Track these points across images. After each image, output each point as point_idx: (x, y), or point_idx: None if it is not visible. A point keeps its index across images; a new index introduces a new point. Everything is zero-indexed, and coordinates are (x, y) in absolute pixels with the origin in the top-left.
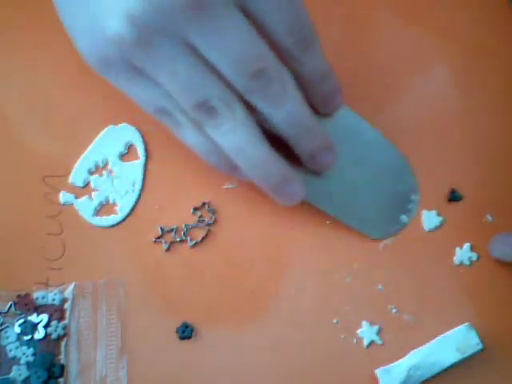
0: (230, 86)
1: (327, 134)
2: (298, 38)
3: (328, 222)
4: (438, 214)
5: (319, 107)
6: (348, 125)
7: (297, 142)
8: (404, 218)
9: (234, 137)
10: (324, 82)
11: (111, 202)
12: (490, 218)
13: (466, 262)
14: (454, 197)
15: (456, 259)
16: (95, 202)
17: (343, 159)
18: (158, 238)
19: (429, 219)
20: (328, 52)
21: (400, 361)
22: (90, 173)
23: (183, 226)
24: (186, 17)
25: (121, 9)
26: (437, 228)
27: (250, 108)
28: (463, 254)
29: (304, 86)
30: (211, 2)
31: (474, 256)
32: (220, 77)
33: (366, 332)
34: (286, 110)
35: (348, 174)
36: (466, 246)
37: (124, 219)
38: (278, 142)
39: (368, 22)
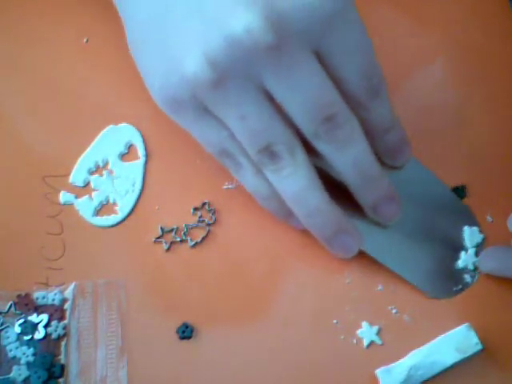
0: (294, 130)
1: (392, 184)
2: (369, 86)
3: None
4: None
5: (386, 159)
6: (414, 177)
7: (360, 190)
8: (467, 277)
9: (294, 181)
10: (391, 132)
11: (111, 201)
12: (489, 218)
13: (470, 267)
14: (459, 190)
15: (460, 263)
16: (95, 202)
17: (406, 211)
18: (158, 238)
19: None
20: None
21: (400, 361)
22: (90, 172)
23: (183, 225)
24: (264, 60)
25: (201, 49)
26: None
27: (310, 154)
28: (467, 258)
29: (371, 136)
30: (289, 46)
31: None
32: (287, 122)
33: (366, 332)
34: (352, 155)
35: (408, 227)
36: (471, 251)
37: (124, 219)
38: (337, 191)
39: (367, 20)
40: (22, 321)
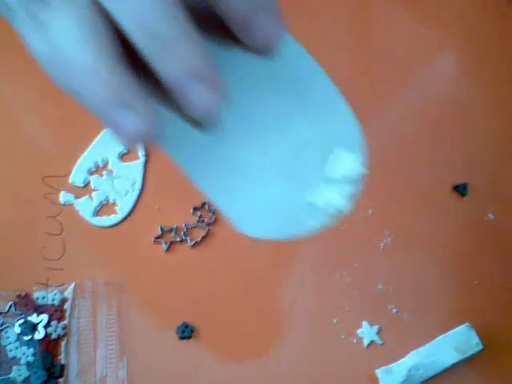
0: None
1: (209, 59)
2: None
3: None
4: None
5: (239, 34)
6: (285, 66)
7: (153, 57)
8: (312, 223)
9: (63, 33)
10: None
11: (111, 201)
12: (491, 216)
13: (325, 205)
14: (460, 188)
15: (310, 197)
16: (95, 202)
17: (256, 116)
18: (158, 237)
19: None
20: (330, 46)
21: (400, 361)
22: (90, 173)
23: (183, 225)
24: None
25: None
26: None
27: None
28: (324, 193)
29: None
30: None
31: None
32: None
33: (366, 332)
34: (131, 4)
35: (256, 143)
36: (336, 186)
37: (124, 219)
38: None
39: (371, 16)
40: (22, 321)
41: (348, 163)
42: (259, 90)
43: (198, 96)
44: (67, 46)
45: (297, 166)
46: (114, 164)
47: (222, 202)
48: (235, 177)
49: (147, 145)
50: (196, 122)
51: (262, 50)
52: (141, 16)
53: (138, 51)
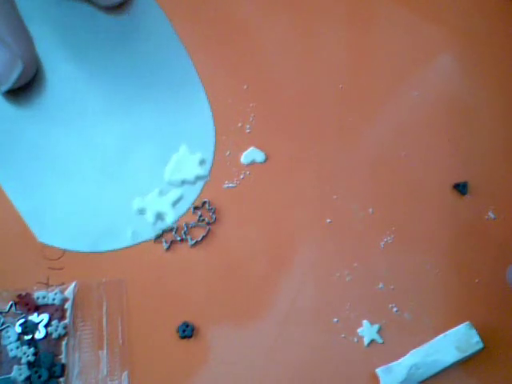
0: None
1: (9, 15)
2: None
3: (328, 221)
4: None
5: None
6: (138, 29)
7: None
8: (129, 234)
9: None
10: None
11: None
12: (492, 214)
13: (150, 217)
14: (461, 187)
15: (136, 203)
16: None
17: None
18: (159, 236)
19: None
20: (331, 45)
21: (400, 360)
22: None
23: (184, 225)
24: None
25: None
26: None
27: None
28: (153, 201)
29: None
30: None
31: None
32: None
33: (367, 331)
34: None
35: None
36: (172, 193)
37: None
38: None
39: (371, 15)
40: (22, 320)
41: (190, 166)
42: (95, 56)
43: None
44: None
45: (126, 164)
46: None
47: (15, 195)
48: (38, 167)
49: None
50: None
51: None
52: None
53: None
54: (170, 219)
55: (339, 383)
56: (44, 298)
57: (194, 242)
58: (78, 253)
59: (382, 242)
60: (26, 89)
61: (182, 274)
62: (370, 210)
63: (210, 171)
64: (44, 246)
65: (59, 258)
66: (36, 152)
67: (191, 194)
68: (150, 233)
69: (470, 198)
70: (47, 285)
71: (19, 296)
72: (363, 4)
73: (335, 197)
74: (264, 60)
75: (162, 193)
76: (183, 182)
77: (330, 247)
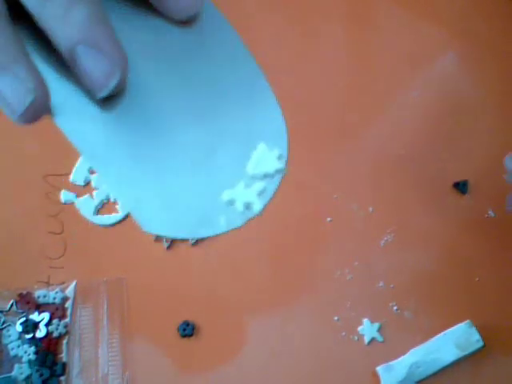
0: None
1: (104, 20)
2: None
3: (328, 220)
4: None
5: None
6: (207, 41)
7: (42, 24)
8: (221, 220)
9: None
10: None
11: (112, 200)
12: (491, 213)
13: (239, 206)
14: (460, 186)
15: (226, 195)
16: (96, 201)
17: (163, 87)
18: (159, 236)
19: None
20: (331, 44)
21: (401, 358)
22: (91, 172)
23: None
24: None
25: None
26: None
27: None
28: (242, 192)
29: None
30: None
31: None
32: None
33: (367, 329)
34: None
35: (159, 121)
36: (257, 185)
37: (125, 218)
38: None
39: (372, 15)
40: (23, 319)
41: (269, 161)
42: (174, 66)
43: (90, 64)
44: None
45: (213, 160)
46: None
47: (121, 193)
48: (140, 167)
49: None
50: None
51: (176, 15)
52: None
53: (29, 13)
54: (257, 208)
55: (340, 381)
56: (45, 296)
57: (194, 240)
58: (79, 252)
59: (382, 241)
60: (117, 94)
61: (182, 273)
62: (370, 208)
63: (287, 165)
64: (44, 246)
65: (60, 258)
66: (134, 152)
67: (272, 186)
68: (240, 220)
69: (470, 197)
70: (48, 284)
71: (20, 295)
72: (363, 4)
73: (335, 196)
74: (264, 59)
75: (247, 185)
76: (265, 176)
77: (330, 246)
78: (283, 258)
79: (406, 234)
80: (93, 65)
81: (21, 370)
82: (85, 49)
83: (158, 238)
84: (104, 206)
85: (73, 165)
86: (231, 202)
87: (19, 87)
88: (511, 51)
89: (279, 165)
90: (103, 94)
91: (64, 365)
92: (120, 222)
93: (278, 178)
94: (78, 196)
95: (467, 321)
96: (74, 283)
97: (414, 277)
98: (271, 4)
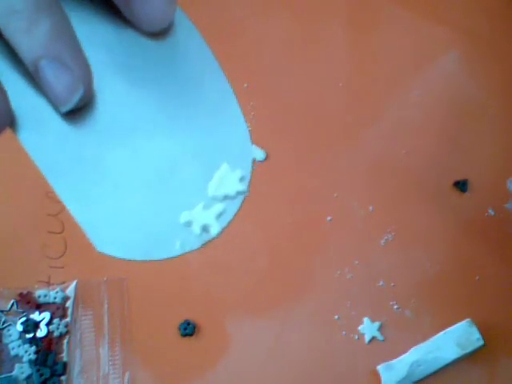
0: None
1: (65, 28)
2: None
3: (329, 219)
4: None
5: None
6: (174, 52)
7: (7, 36)
8: (177, 245)
9: None
10: None
11: None
12: (492, 212)
13: (196, 229)
14: (461, 185)
15: (184, 216)
16: None
17: (131, 100)
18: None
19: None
20: (332, 44)
21: (401, 357)
22: None
23: None
24: None
25: None
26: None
27: None
28: (203, 214)
29: None
30: None
31: None
32: None
33: (368, 328)
34: None
35: (124, 127)
36: (217, 206)
37: None
38: None
39: (373, 15)
40: (24, 319)
41: (231, 182)
42: (141, 78)
43: (53, 78)
44: None
45: (173, 179)
46: None
47: (76, 211)
48: (95, 182)
49: None
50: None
51: (148, 27)
52: None
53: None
54: (214, 231)
55: (340, 380)
56: (45, 296)
57: None
58: (79, 251)
59: (383, 240)
60: (82, 108)
61: (183, 273)
62: (371, 207)
63: (249, 187)
64: (45, 245)
65: (60, 257)
66: (95, 168)
67: (232, 208)
68: (196, 243)
69: (470, 196)
70: (48, 283)
71: (21, 294)
72: (365, 4)
73: (336, 195)
74: (264, 58)
75: (206, 207)
76: (225, 197)
77: (330, 245)
78: (283, 258)
79: (406, 233)
80: (55, 79)
81: (21, 370)
82: (47, 63)
83: None
84: None
85: None
86: (188, 224)
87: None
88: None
89: (241, 187)
90: (67, 108)
91: (65, 364)
92: None
93: (239, 200)
94: None
95: (467, 319)
96: (74, 283)
97: (415, 276)
98: (271, 4)
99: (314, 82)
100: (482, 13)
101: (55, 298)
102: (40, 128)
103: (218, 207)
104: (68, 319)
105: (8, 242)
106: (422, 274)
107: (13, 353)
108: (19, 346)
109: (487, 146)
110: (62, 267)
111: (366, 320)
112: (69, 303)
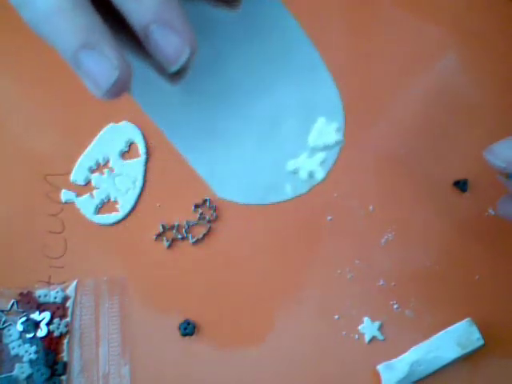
0: None
1: (175, 7)
2: None
3: (329, 218)
4: None
5: None
6: (257, 15)
7: (120, 4)
8: (287, 187)
9: None
10: None
11: (112, 199)
12: (492, 211)
13: (303, 175)
14: (461, 184)
15: (290, 165)
16: (96, 200)
17: (228, 65)
18: (160, 235)
19: None
20: (332, 46)
21: (402, 356)
22: (91, 171)
23: (185, 222)
24: None
25: None
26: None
27: None
28: (304, 162)
29: None
30: None
31: None
32: None
33: (368, 328)
34: None
35: (226, 91)
36: (319, 155)
37: (125, 217)
38: None
39: (372, 15)
40: (24, 319)
41: (329, 133)
42: (238, 49)
43: (163, 41)
44: None
45: (277, 133)
46: (114, 162)
47: (198, 163)
48: (212, 139)
49: (118, 93)
50: (166, 73)
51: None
52: None
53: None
54: (319, 175)
55: (340, 380)
56: (45, 296)
57: (194, 239)
58: (80, 251)
59: (383, 239)
60: (191, 71)
61: (183, 272)
62: (371, 207)
63: (344, 136)
64: (45, 245)
65: (60, 257)
66: (206, 124)
67: (332, 156)
68: (305, 188)
69: (470, 195)
70: (49, 283)
71: (21, 294)
72: (363, 5)
73: (336, 195)
74: None
75: (309, 156)
76: (325, 147)
77: (330, 244)
78: (284, 257)
79: (406, 233)
80: (166, 42)
81: (22, 370)
82: (158, 27)
83: (159, 237)
84: (104, 206)
85: (73, 164)
86: (296, 171)
87: (105, 65)
88: (511, 52)
89: (338, 137)
90: (175, 68)
91: (65, 364)
92: (120, 221)
93: (337, 149)
94: (78, 195)
95: (468, 319)
96: (74, 282)
97: (415, 275)
98: None
99: None
100: (480, 13)
101: (55, 297)
102: (152, 88)
103: (320, 155)
104: (68, 319)
105: (8, 242)
106: (422, 274)
107: (13, 352)
108: (19, 345)
109: (487, 146)
110: (62, 267)
111: (366, 320)
112: (69, 303)
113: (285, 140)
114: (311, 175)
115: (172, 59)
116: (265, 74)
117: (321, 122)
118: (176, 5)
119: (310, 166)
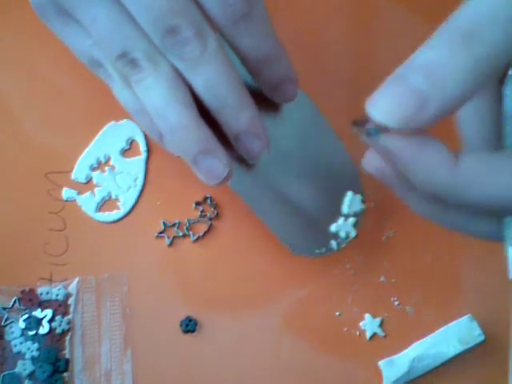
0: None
1: (257, 117)
2: (227, 7)
3: None
4: None
5: (267, 93)
6: (304, 121)
7: (219, 116)
8: (333, 243)
9: (155, 93)
10: (270, 64)
11: (114, 197)
12: None
13: (342, 234)
14: None
15: (334, 227)
16: (98, 198)
17: (283, 154)
18: (161, 232)
19: None
20: (331, 45)
21: (403, 352)
22: (93, 169)
23: (186, 220)
24: None
25: None
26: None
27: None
28: (343, 225)
29: (249, 67)
30: None
31: None
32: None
33: (369, 324)
34: (203, 76)
35: (283, 174)
36: (351, 220)
37: (126, 214)
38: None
39: (373, 15)
40: (26, 316)
41: (357, 203)
42: (288, 148)
43: (252, 146)
44: (156, 99)
45: (320, 206)
46: (115, 160)
47: (271, 226)
48: (277, 206)
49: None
50: (243, 162)
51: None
52: (212, 86)
53: (208, 109)
54: (352, 234)
55: (342, 377)
56: (47, 293)
57: (196, 237)
58: (81, 248)
59: (384, 236)
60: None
61: (184, 269)
62: (372, 204)
63: (366, 207)
64: (47, 243)
65: (62, 254)
66: (273, 197)
67: (360, 219)
68: (343, 243)
69: None
70: (50, 281)
71: (23, 292)
72: (364, 4)
73: None
74: None
75: (345, 220)
76: (355, 213)
77: None
78: (284, 254)
79: (407, 230)
80: (252, 146)
81: (24, 367)
82: (247, 135)
83: (160, 235)
84: (105, 203)
85: (74, 162)
86: (337, 232)
87: (219, 165)
88: None
89: (363, 206)
90: (255, 162)
91: (67, 361)
92: (122, 218)
93: (362, 214)
94: (79, 193)
95: (468, 315)
96: (76, 280)
97: (416, 272)
98: (271, 3)
99: (314, 83)
100: None
101: (57, 295)
102: (239, 176)
103: (352, 220)
104: (70, 316)
105: (10, 240)
106: (423, 270)
107: (15, 350)
108: (21, 343)
109: None
110: (64, 264)
111: (367, 316)
112: (71, 300)
113: (325, 211)
114: (347, 235)
115: (255, 157)
116: (307, 165)
117: (349, 195)
118: (259, 119)
119: (347, 228)
